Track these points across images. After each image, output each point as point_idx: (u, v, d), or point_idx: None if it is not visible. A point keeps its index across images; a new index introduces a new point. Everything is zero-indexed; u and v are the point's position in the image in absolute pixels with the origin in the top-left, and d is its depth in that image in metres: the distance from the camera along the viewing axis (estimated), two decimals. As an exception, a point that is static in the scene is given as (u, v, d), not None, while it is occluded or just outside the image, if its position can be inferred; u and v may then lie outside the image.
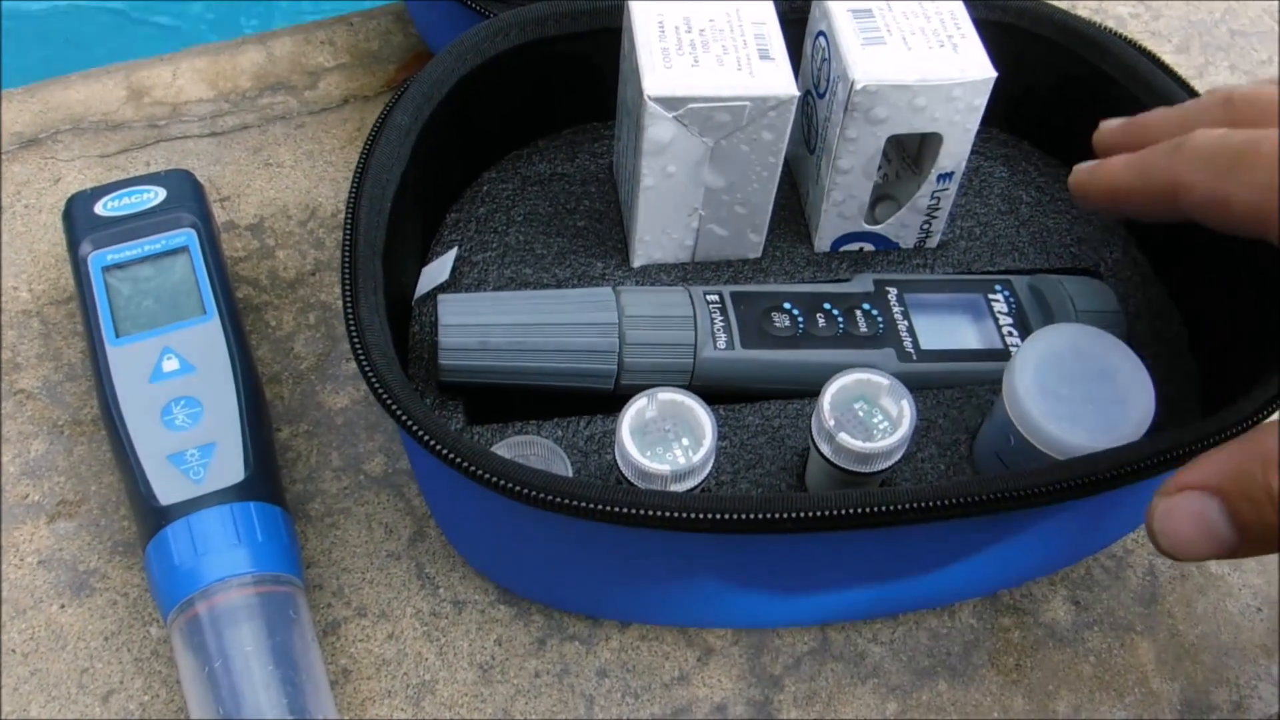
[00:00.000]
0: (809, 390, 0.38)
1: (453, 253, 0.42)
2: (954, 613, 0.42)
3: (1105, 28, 0.44)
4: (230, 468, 0.38)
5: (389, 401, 0.32)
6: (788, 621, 0.41)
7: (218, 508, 0.37)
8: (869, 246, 0.43)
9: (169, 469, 0.38)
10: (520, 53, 0.42)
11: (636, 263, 0.42)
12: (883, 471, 0.35)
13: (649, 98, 0.36)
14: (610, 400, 0.38)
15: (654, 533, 0.32)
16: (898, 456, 0.34)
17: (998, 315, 0.41)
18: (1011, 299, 0.41)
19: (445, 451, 0.32)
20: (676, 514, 0.31)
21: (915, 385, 0.36)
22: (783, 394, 0.39)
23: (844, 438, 0.33)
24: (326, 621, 0.40)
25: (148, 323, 0.41)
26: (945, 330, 0.40)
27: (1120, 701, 0.40)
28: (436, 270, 0.41)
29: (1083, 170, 0.35)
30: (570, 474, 0.37)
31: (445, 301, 0.38)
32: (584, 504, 0.31)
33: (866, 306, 0.40)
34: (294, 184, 0.51)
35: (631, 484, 0.33)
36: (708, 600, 0.38)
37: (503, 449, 0.37)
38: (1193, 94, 0.41)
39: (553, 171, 0.45)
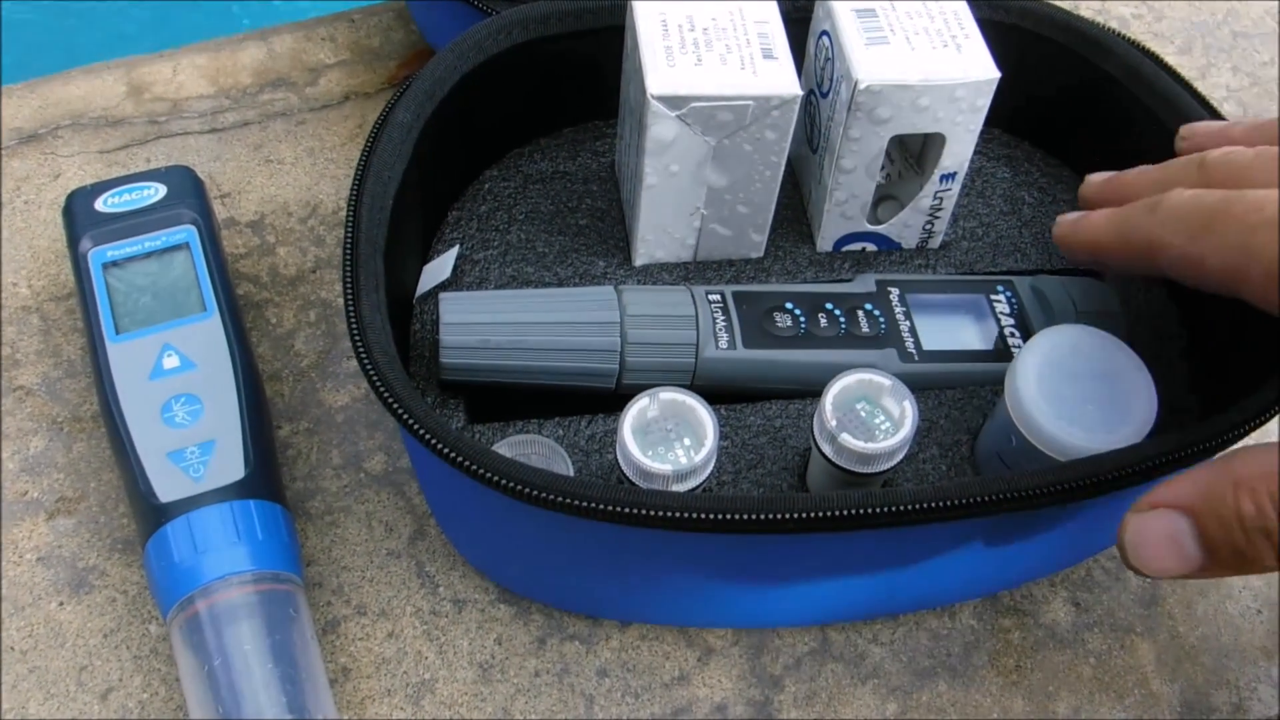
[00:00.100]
0: (811, 390, 0.38)
1: (454, 251, 0.42)
2: (954, 613, 0.42)
3: (1108, 29, 0.44)
4: (230, 465, 0.38)
5: (390, 400, 0.32)
6: (788, 622, 0.41)
7: (217, 505, 0.37)
8: (871, 246, 0.43)
9: (169, 466, 0.38)
10: (522, 50, 0.42)
11: (638, 262, 0.42)
12: (884, 472, 0.35)
13: (652, 96, 0.36)
14: (612, 399, 0.38)
15: (655, 532, 0.32)
16: (899, 457, 0.34)
17: (999, 316, 0.41)
18: (1013, 300, 0.41)
19: (446, 450, 0.31)
20: (678, 514, 0.31)
21: (917, 386, 0.36)
22: (784, 394, 0.39)
23: (846, 438, 0.33)
24: (326, 620, 0.40)
25: (148, 319, 0.41)
26: (947, 331, 0.40)
27: (1120, 703, 0.40)
28: (438, 268, 0.41)
29: (1066, 223, 0.36)
30: (571, 473, 0.37)
31: (446, 300, 0.38)
32: (585, 503, 0.31)
33: (868, 307, 0.40)
34: (295, 181, 0.51)
35: (633, 484, 0.33)
36: (708, 600, 0.38)
37: (504, 448, 0.37)
38: (1195, 95, 0.41)
39: (555, 170, 0.45)
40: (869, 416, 0.35)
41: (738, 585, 0.37)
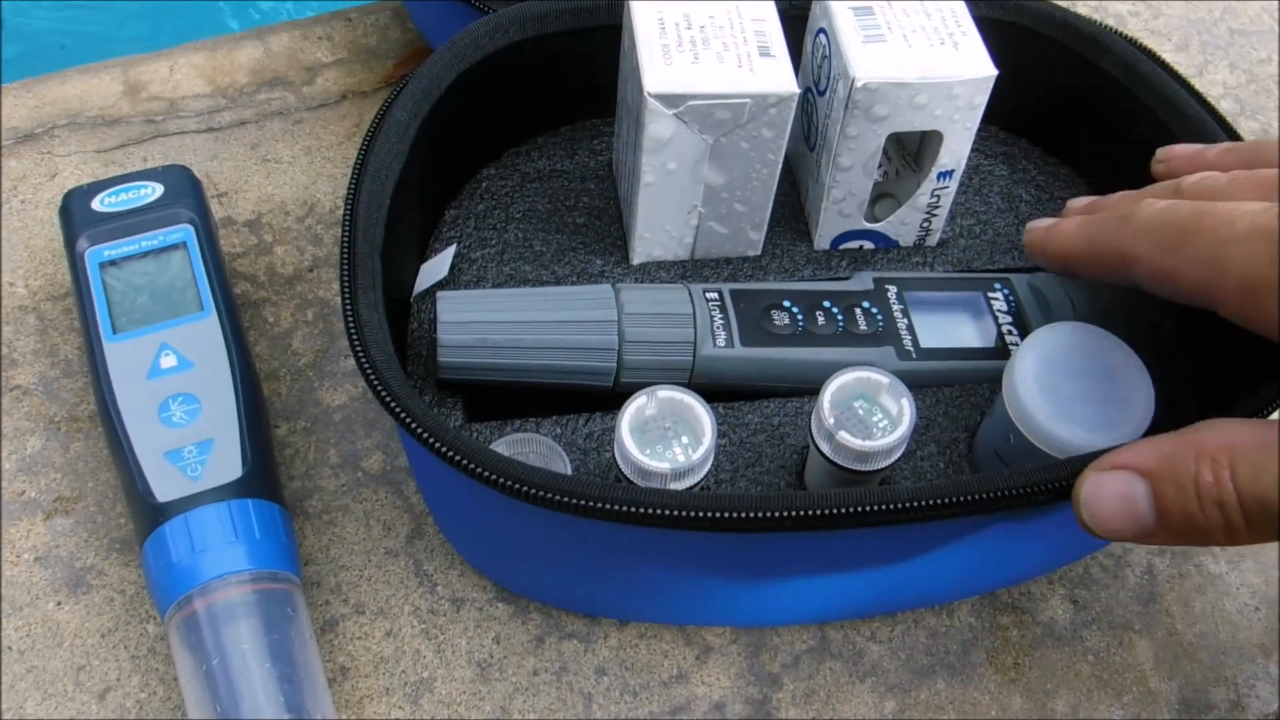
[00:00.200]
0: (808, 388, 0.38)
1: (451, 249, 0.42)
2: (952, 611, 0.42)
3: (1105, 26, 0.44)
4: (228, 464, 0.38)
5: (387, 399, 0.32)
6: (786, 620, 0.41)
7: (215, 505, 0.37)
8: (869, 244, 0.43)
9: (166, 466, 0.38)
10: (519, 49, 0.42)
11: (636, 260, 0.42)
12: (882, 470, 0.34)
13: (649, 95, 0.36)
14: (609, 398, 0.37)
15: (653, 531, 0.32)
16: (897, 455, 0.34)
17: (997, 313, 0.41)
18: (1011, 297, 0.41)
19: (444, 449, 0.31)
20: (676, 512, 0.31)
21: (915, 383, 0.36)
22: (782, 392, 0.39)
23: (844, 436, 0.33)
24: (324, 619, 0.40)
25: (145, 319, 0.41)
26: (945, 328, 0.40)
27: (1118, 700, 0.40)
28: (435, 267, 0.41)
29: (1037, 229, 0.36)
30: (569, 472, 0.37)
31: (444, 298, 0.38)
32: (583, 502, 0.31)
33: (866, 304, 0.40)
34: (292, 180, 0.51)
35: (631, 482, 0.33)
36: (706, 598, 0.38)
37: (501, 446, 0.37)
38: (1192, 92, 0.41)
39: (552, 168, 0.45)
40: (867, 414, 0.35)
41: (736, 583, 0.37)
